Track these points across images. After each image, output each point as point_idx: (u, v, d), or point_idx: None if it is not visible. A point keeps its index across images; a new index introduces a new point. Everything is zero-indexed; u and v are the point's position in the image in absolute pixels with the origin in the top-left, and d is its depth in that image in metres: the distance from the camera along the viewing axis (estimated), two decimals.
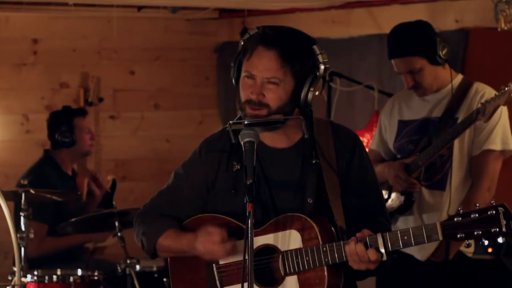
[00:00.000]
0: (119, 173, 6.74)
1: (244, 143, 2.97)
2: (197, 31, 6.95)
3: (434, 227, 2.89)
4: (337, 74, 5.83)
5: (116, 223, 5.18)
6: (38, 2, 6.42)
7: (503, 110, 4.36)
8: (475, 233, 2.84)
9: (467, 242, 2.89)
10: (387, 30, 4.56)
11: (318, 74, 3.05)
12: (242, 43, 3.10)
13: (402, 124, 4.55)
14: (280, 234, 3.03)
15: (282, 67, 3.03)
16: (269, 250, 3.04)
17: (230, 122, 3.08)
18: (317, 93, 3.06)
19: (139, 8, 6.67)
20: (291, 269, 3.01)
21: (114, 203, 5.84)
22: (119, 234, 5.17)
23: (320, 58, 3.05)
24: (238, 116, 3.10)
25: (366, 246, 2.93)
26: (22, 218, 4.69)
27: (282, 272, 3.02)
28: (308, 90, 3.04)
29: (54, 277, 4.98)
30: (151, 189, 3.42)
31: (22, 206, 4.71)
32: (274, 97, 3.04)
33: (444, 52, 4.36)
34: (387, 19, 6.08)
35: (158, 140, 6.95)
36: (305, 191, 3.09)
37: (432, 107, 4.46)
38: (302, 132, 3.10)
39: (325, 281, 2.98)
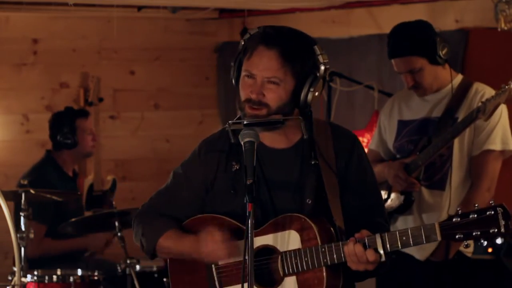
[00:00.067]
0: (119, 173, 6.73)
1: (244, 143, 2.96)
2: (197, 31, 6.94)
3: (432, 228, 2.88)
4: (337, 74, 5.82)
5: (116, 223, 5.17)
6: (38, 2, 6.41)
7: (503, 110, 4.36)
8: (474, 233, 2.83)
9: (466, 243, 2.88)
10: (387, 30, 4.55)
11: (318, 74, 3.05)
12: (243, 43, 3.10)
13: (402, 124, 4.55)
14: (279, 234, 3.02)
15: (283, 67, 3.02)
16: (268, 251, 3.04)
17: (230, 122, 3.07)
18: (317, 93, 3.05)
19: (139, 8, 6.67)
20: (290, 269, 3.00)
21: (114, 203, 5.84)
22: (119, 234, 5.17)
23: (320, 58, 3.05)
24: (238, 116, 3.10)
25: (365, 247, 2.92)
26: (22, 218, 4.68)
27: (281, 273, 3.02)
28: (308, 90, 3.04)
29: (54, 277, 4.98)
30: (151, 189, 3.40)
31: (22, 206, 4.70)
32: (274, 97, 3.03)
33: (444, 52, 4.36)
34: (387, 19, 6.08)
35: (158, 140, 6.94)
36: (304, 192, 3.08)
37: (432, 107, 4.46)
38: (302, 133, 3.10)
39: (324, 282, 2.97)
